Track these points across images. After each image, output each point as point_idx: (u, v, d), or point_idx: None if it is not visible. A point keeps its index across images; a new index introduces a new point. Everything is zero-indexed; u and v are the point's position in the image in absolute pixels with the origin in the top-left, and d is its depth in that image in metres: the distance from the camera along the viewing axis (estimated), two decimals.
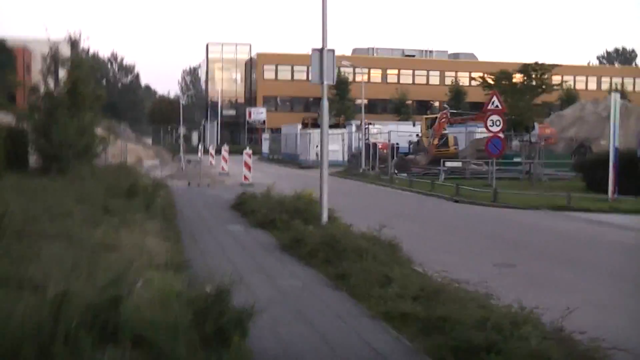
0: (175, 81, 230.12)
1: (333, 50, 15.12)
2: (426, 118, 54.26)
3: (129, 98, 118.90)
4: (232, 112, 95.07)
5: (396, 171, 38.43)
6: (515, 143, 47.78)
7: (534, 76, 57.96)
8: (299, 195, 17.60)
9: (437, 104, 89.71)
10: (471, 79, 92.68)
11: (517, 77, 59.02)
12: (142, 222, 12.48)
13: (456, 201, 25.62)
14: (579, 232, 18.48)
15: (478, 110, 70.48)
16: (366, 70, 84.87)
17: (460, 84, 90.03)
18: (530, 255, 14.21)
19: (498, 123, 26.01)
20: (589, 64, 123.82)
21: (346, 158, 52.45)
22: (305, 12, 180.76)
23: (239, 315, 5.89)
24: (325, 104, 15.27)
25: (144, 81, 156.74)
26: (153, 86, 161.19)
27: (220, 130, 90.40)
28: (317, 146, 52.52)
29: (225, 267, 9.80)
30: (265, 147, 70.49)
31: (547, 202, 24.07)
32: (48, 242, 8.72)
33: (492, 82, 60.42)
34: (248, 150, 34.14)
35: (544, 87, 59.36)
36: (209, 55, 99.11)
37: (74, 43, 24.87)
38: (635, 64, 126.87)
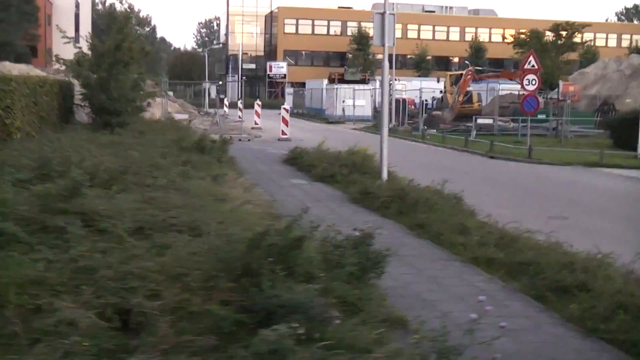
0: (190, 34, 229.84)
1: (394, 14, 16.01)
2: (450, 75, 54.97)
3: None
4: (252, 66, 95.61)
5: (425, 127, 39.29)
6: (540, 100, 48.58)
7: (563, 35, 58.46)
8: (353, 151, 18.57)
9: (456, 60, 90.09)
10: (491, 35, 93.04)
11: (547, 36, 59.51)
12: (225, 175, 13.50)
13: (492, 157, 26.57)
14: (616, 187, 19.51)
15: (498, 67, 71.32)
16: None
17: (480, 40, 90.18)
18: (578, 209, 15.21)
19: (534, 82, 26.86)
20: (607, 20, 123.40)
21: (372, 113, 53.18)
22: None
23: (378, 257, 6.94)
24: (387, 64, 16.19)
25: (159, 34, 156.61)
26: (168, 39, 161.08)
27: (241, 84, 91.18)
28: (343, 101, 53.51)
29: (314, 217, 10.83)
30: (288, 101, 71.29)
31: (580, 159, 25.05)
32: (166, 192, 9.65)
33: (526, 39, 60.82)
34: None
35: (572, 45, 59.90)
36: (230, 9, 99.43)
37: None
38: None
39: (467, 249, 9.68)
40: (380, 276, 7.10)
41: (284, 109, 33.22)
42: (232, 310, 5.41)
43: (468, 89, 49.25)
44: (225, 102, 55.97)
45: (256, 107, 41.58)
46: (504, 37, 77.97)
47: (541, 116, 42.18)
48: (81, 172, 7.92)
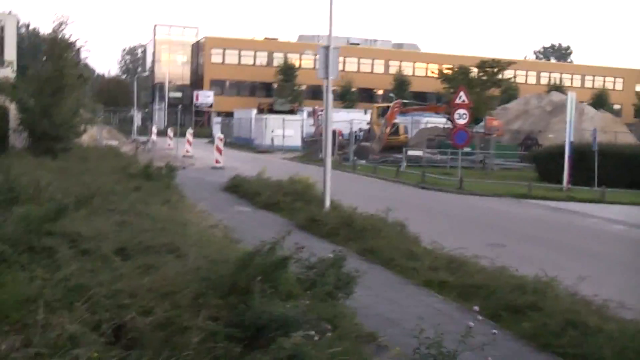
0: (112, 60, 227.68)
1: (338, 48, 16.59)
2: (377, 107, 56.14)
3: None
4: (179, 95, 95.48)
5: (355, 157, 40.02)
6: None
7: (489, 71, 60.38)
8: (294, 180, 19.04)
9: (380, 92, 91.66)
10: (415, 68, 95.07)
11: (473, 72, 61.40)
12: (176, 201, 13.80)
13: (423, 187, 27.33)
14: (547, 217, 20.42)
15: (421, 100, 72.91)
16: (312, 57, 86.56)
17: (404, 73, 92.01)
18: (513, 237, 15.98)
19: (465, 116, 27.77)
20: (525, 58, 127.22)
21: (300, 143, 53.69)
22: None
23: (348, 278, 7.40)
24: (330, 97, 16.77)
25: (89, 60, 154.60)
26: (91, 64, 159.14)
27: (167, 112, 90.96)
28: (272, 131, 53.97)
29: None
30: (215, 130, 71.44)
31: (508, 190, 26.02)
32: (130, 217, 9.94)
33: (454, 75, 62.86)
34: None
35: (497, 81, 61.94)
36: (156, 37, 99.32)
37: (58, 26, 25.40)
38: (570, 60, 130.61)
39: (419, 273, 10.21)
40: (350, 296, 7.54)
41: (219, 138, 33.52)
42: (221, 325, 5.78)
43: (395, 121, 50.39)
44: (154, 129, 56.01)
45: (188, 135, 41.82)
46: (428, 71, 79.88)
47: (467, 149, 43.47)
48: (61, 196, 8.16)
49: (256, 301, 5.88)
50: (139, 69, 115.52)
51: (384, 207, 13.76)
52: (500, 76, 62.58)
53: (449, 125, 50.41)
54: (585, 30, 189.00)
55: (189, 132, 42.81)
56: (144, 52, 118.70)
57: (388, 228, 13.15)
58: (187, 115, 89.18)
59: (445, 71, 65.92)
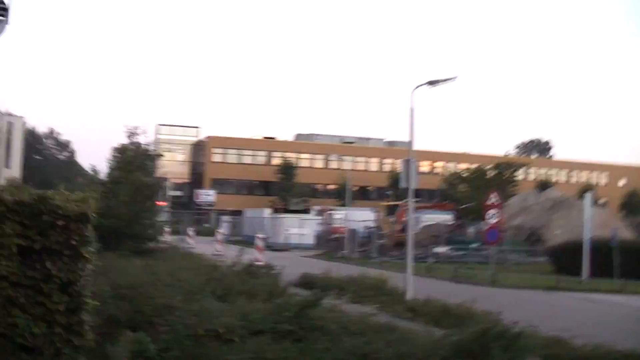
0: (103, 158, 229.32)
1: (415, 161, 19.49)
2: (387, 205, 59.26)
3: (62, 174, 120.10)
4: (179, 193, 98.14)
5: (375, 255, 42.68)
6: (470, 230, 52.99)
7: (506, 172, 64.71)
8: (366, 276, 21.62)
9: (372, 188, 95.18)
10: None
11: (490, 173, 65.53)
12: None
13: (457, 282, 29.84)
14: (598, 309, 22.95)
15: (415, 197, 76.08)
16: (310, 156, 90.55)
17: (399, 170, 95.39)
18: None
19: (496, 216, 30.60)
20: (506, 154, 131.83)
21: (311, 241, 55.95)
22: (245, 96, 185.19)
23: None
24: (411, 202, 19.56)
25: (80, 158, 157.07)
26: (89, 163, 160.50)
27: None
28: (287, 229, 56.64)
29: None
30: (224, 229, 73.75)
31: (537, 283, 28.67)
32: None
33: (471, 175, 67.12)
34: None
35: (513, 181, 66.08)
36: (158, 136, 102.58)
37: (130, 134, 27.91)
38: (550, 155, 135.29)
39: None
40: None
41: (258, 237, 36.03)
42: None
43: (402, 219, 53.33)
44: (189, 231, 58.03)
45: (218, 235, 44.25)
46: (419, 167, 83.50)
47: (472, 245, 46.21)
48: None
49: None
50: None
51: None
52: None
53: (451, 222, 53.71)
54: (563, 125, 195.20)
55: (219, 231, 45.27)
56: None
57: (479, 316, 15.72)
58: (187, 214, 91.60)
59: (464, 174, 69.67)
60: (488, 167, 65.74)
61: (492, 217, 30.49)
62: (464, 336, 9.01)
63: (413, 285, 18.89)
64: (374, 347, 8.71)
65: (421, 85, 20.89)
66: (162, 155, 27.59)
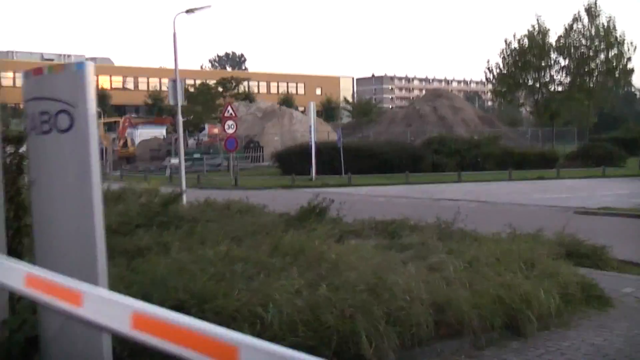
0: None
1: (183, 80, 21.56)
2: (104, 122, 59.93)
3: None
4: None
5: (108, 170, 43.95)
6: (191, 141, 55.57)
7: (229, 86, 67.18)
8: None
9: None
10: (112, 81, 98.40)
11: (214, 88, 67.51)
12: None
13: (201, 188, 32.28)
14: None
15: (122, 112, 77.07)
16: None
17: (104, 87, 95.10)
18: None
19: (232, 126, 33.23)
20: (202, 67, 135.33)
21: None
22: None
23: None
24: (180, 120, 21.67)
25: None
26: None
27: None
28: None
29: None
30: None
31: (274, 183, 32.08)
32: None
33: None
34: None
35: (234, 95, 68.91)
36: None
37: None
38: (246, 67, 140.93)
39: None
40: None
41: None
42: None
43: (124, 134, 54.98)
44: None
45: None
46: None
47: (196, 155, 48.92)
48: None
49: None
50: None
51: None
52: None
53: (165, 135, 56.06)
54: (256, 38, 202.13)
55: None
56: None
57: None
58: None
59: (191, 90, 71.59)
60: (213, 82, 68.36)
61: (230, 127, 33.17)
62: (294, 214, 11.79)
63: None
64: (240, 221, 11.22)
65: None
66: None
